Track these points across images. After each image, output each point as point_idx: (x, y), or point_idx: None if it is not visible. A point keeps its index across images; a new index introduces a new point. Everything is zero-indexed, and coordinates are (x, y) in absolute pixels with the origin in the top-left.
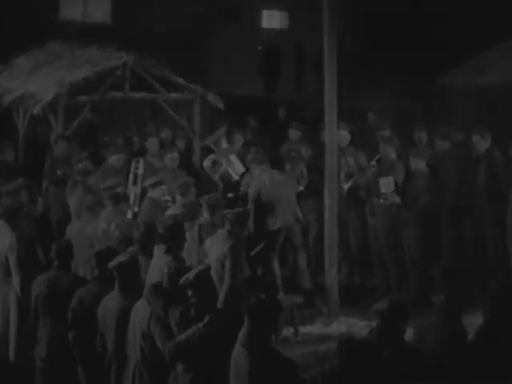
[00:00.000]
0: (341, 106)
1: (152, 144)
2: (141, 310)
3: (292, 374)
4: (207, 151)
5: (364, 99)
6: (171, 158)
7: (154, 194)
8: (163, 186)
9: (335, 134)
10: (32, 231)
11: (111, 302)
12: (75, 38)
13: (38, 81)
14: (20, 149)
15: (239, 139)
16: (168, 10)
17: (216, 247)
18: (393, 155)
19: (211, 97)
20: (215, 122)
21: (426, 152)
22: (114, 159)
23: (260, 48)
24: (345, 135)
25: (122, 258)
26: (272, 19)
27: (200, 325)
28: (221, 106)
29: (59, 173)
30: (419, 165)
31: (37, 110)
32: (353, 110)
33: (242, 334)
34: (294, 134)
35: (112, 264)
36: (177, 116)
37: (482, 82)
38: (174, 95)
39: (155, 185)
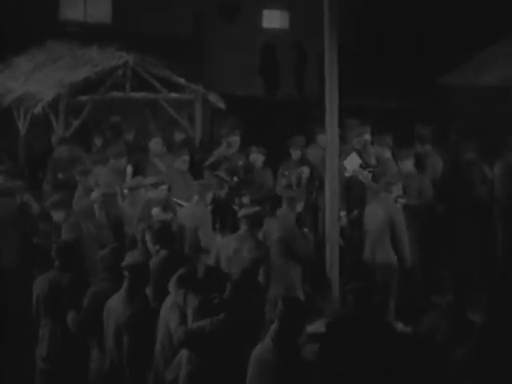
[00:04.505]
0: (341, 106)
1: (155, 144)
2: (168, 308)
3: (314, 375)
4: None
5: (364, 99)
6: (183, 161)
7: (153, 193)
8: (164, 186)
9: (336, 134)
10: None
11: (115, 303)
12: (76, 37)
13: (39, 81)
14: (20, 149)
15: (235, 143)
16: (168, 9)
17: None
18: (388, 155)
19: (212, 97)
20: (216, 121)
21: (413, 152)
22: (114, 162)
23: (260, 48)
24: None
25: (132, 259)
26: (272, 19)
27: (214, 319)
28: (222, 105)
29: (60, 176)
30: (407, 166)
31: (37, 110)
32: (353, 110)
33: (271, 331)
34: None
35: (124, 264)
36: (178, 116)
37: (482, 82)
38: (174, 95)
39: (155, 185)
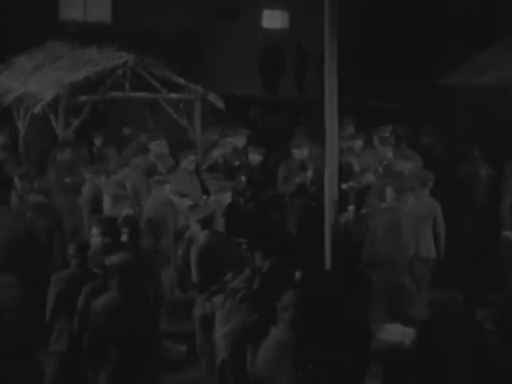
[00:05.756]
0: (341, 105)
1: (159, 146)
2: None
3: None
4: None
5: (364, 99)
6: (190, 161)
7: (177, 200)
8: (187, 199)
9: (335, 134)
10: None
11: (111, 302)
12: (75, 37)
13: (39, 81)
14: (20, 148)
15: (228, 144)
16: (168, 9)
17: None
18: (390, 154)
19: (212, 96)
20: (215, 121)
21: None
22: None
23: (261, 48)
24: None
25: (122, 257)
26: (272, 19)
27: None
28: (221, 105)
29: (67, 180)
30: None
31: (37, 109)
32: (353, 110)
33: (287, 315)
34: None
35: (112, 262)
36: (177, 116)
37: (482, 82)
38: (174, 95)
39: (182, 194)
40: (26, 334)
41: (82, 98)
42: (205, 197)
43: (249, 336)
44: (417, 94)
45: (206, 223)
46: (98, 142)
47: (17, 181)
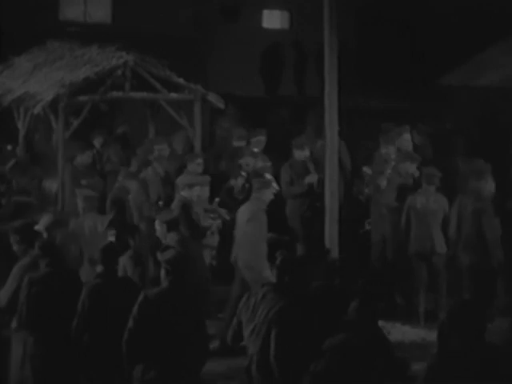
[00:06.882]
0: (341, 105)
1: (163, 151)
2: None
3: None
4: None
5: (364, 99)
6: (197, 164)
7: (186, 193)
8: (197, 187)
9: (335, 134)
10: None
11: (164, 296)
12: (76, 37)
13: (39, 81)
14: (20, 149)
15: (261, 142)
16: (168, 9)
17: None
18: (393, 156)
19: (212, 97)
20: (215, 122)
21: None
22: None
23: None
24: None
25: (175, 252)
26: (273, 19)
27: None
28: (221, 105)
29: (84, 183)
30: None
31: (37, 110)
32: (353, 110)
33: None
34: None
35: (166, 257)
36: (177, 116)
37: (482, 82)
38: (174, 95)
39: (190, 186)
40: None
41: (82, 97)
42: (216, 199)
43: (273, 328)
44: (417, 94)
45: (171, 225)
46: (98, 142)
47: None
